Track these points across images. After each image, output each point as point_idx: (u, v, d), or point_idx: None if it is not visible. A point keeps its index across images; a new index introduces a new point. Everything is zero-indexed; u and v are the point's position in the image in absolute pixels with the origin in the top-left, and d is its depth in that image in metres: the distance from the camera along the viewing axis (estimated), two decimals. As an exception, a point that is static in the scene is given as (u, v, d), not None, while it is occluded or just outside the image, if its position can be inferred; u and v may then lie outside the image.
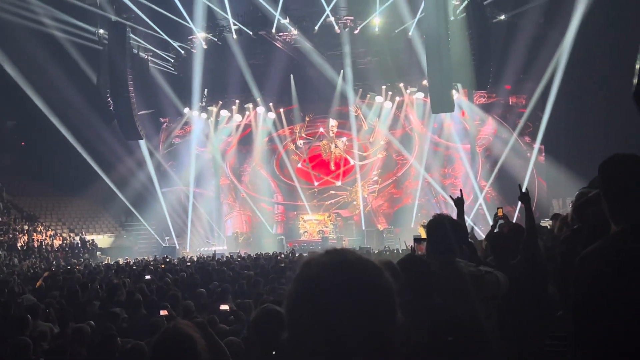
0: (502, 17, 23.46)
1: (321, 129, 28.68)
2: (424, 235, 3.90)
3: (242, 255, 18.77)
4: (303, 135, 28.81)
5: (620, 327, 2.08)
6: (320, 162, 28.75)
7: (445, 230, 3.28)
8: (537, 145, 24.62)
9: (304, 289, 1.14)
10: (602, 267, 2.18)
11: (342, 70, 26.36)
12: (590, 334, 2.23)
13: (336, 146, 28.47)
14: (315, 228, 27.78)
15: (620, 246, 2.18)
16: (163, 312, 5.74)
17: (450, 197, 4.99)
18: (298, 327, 1.13)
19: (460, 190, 5.10)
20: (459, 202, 4.59)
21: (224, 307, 6.62)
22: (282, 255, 17.12)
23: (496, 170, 25.08)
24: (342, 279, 1.11)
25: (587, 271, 2.24)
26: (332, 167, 28.51)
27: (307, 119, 28.68)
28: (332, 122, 28.41)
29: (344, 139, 28.40)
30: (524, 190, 4.43)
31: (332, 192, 28.47)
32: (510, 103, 26.11)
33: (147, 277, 11.11)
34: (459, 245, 3.36)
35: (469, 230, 3.60)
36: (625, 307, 2.07)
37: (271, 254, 18.40)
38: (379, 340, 1.09)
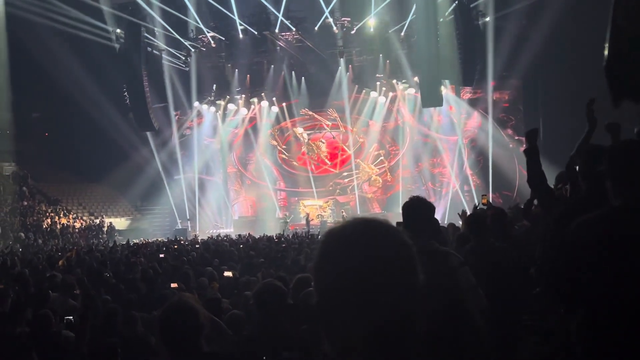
0: (487, 19, 23.31)
1: (318, 126, 28.63)
2: None
3: (247, 237, 18.71)
4: (280, 149, 28.86)
5: (613, 291, 2.17)
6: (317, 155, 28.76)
7: (420, 212, 3.14)
8: (518, 137, 24.60)
9: (332, 244, 1.03)
10: (598, 236, 2.26)
11: (339, 68, 26.24)
12: (585, 296, 2.29)
13: (318, 147, 28.55)
14: (315, 212, 27.78)
15: (615, 219, 2.28)
16: (174, 285, 5.75)
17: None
18: (327, 282, 1.02)
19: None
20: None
21: (228, 273, 6.62)
22: (283, 238, 16.96)
23: (481, 160, 25.11)
24: (370, 232, 1.01)
25: (583, 237, 2.31)
26: (328, 162, 28.48)
27: (275, 131, 28.68)
28: (300, 130, 28.44)
29: (336, 132, 28.28)
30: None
31: (339, 179, 28.33)
32: (494, 98, 26.05)
33: (161, 255, 11.16)
34: (431, 227, 3.20)
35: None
36: (617, 273, 2.16)
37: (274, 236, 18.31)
38: (405, 296, 0.98)
